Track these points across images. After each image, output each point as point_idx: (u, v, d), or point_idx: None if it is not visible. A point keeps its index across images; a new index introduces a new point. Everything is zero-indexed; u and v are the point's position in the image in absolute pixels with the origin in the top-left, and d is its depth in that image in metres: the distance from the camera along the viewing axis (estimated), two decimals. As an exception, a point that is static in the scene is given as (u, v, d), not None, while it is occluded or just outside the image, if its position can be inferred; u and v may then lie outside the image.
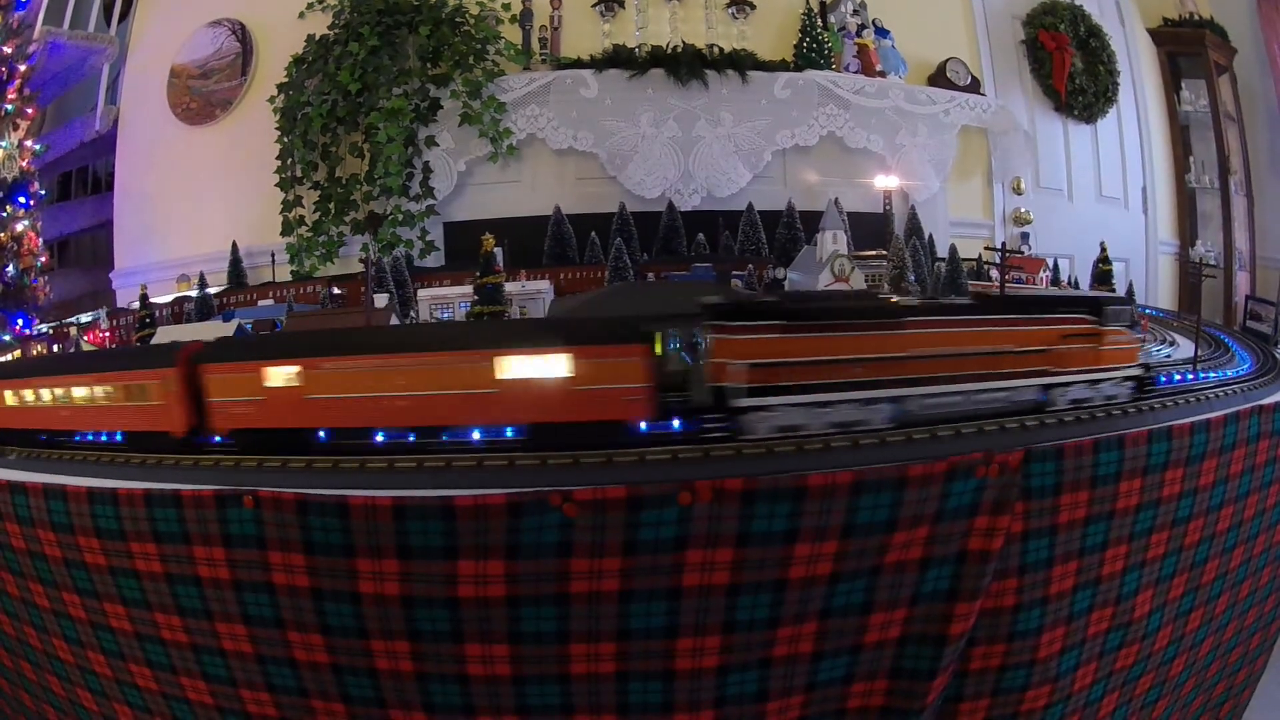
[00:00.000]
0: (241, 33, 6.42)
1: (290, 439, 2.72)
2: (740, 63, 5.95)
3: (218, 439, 2.87)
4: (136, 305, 5.40)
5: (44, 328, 5.84)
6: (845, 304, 2.81)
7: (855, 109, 6.14)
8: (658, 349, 2.56)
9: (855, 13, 6.54)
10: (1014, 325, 2.84)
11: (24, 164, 5.99)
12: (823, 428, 2.48)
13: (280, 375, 2.71)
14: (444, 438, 2.64)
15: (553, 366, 2.47)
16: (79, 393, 3.19)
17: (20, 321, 5.85)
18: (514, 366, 2.49)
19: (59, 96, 7.40)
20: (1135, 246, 7.81)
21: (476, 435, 2.62)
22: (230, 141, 6.38)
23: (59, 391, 3.26)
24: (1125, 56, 7.66)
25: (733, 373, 2.43)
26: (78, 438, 3.28)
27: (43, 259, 6.16)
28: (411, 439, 2.66)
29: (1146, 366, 3.14)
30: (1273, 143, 8.58)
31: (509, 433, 2.60)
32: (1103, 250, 5.44)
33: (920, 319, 2.69)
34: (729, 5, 6.19)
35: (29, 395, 3.37)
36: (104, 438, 3.22)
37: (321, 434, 2.75)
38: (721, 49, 6.00)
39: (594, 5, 6.16)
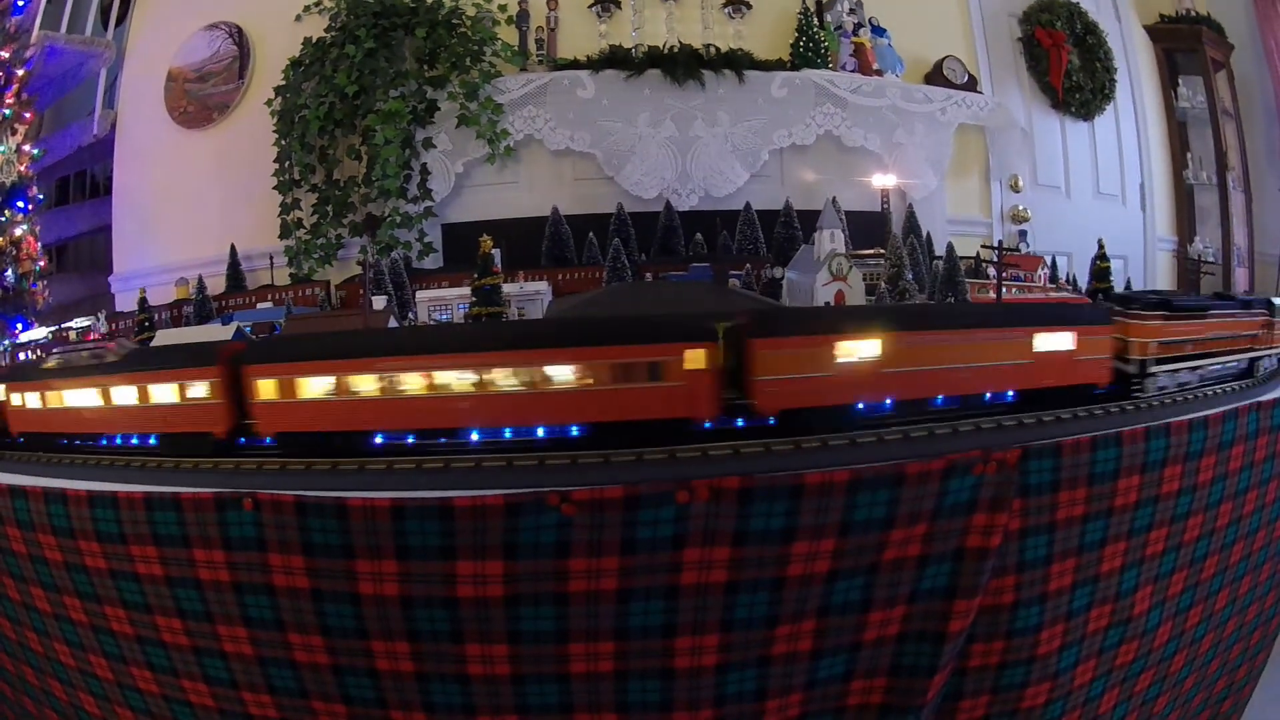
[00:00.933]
0: (238, 36, 6.41)
1: (839, 414, 2.68)
2: (737, 62, 5.93)
3: (772, 420, 2.62)
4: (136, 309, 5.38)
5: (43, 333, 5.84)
6: (1187, 300, 3.63)
7: (852, 108, 6.13)
8: None
9: (852, 11, 6.53)
10: (1245, 316, 3.73)
11: (22, 168, 6.00)
12: (1175, 387, 3.27)
13: (860, 349, 2.71)
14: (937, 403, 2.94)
15: (1067, 341, 3.04)
16: (502, 377, 2.52)
17: (20, 326, 5.86)
18: (1046, 341, 3.00)
19: (56, 101, 7.39)
20: (1133, 243, 7.80)
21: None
22: (228, 145, 6.36)
23: (446, 376, 2.56)
24: (1122, 53, 7.64)
25: (1151, 349, 3.19)
26: (475, 435, 2.63)
27: (41, 263, 6.16)
28: (939, 404, 2.92)
29: None
30: (1270, 138, 8.58)
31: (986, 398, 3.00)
32: (1100, 247, 5.43)
33: (1212, 312, 3.55)
34: (725, 5, 6.17)
35: (359, 384, 2.62)
36: (538, 433, 2.60)
37: (888, 404, 2.82)
38: (718, 49, 5.98)
39: (590, 6, 6.15)
